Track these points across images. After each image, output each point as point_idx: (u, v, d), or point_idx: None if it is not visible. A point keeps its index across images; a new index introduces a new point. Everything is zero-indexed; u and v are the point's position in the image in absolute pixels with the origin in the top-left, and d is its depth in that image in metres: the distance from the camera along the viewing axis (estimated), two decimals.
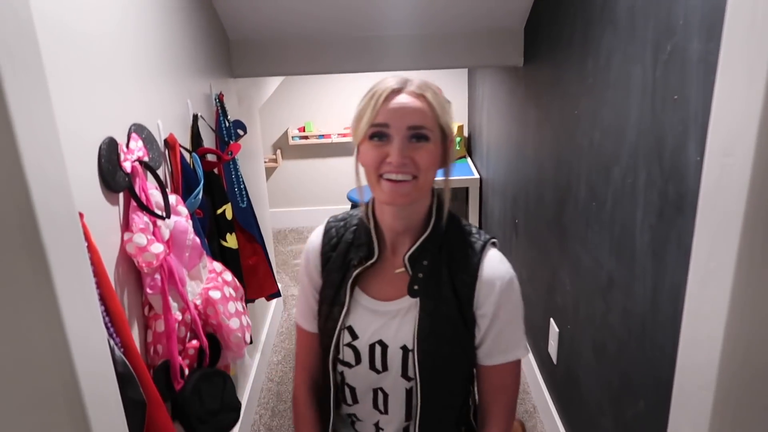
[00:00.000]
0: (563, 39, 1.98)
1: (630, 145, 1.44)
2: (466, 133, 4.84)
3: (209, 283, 1.55)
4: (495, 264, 1.03)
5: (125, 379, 1.10)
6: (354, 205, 4.73)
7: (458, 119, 4.89)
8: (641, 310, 1.41)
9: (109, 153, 1.22)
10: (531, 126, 2.53)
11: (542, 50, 2.28)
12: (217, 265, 1.65)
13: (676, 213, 1.21)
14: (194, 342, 1.48)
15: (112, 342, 1.10)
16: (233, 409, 1.59)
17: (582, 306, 1.90)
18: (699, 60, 1.09)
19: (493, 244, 1.06)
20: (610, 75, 1.55)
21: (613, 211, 1.57)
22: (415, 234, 1.05)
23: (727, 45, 0.81)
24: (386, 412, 1.12)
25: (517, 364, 1.07)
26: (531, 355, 2.70)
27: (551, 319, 2.28)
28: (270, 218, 3.61)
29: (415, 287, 1.02)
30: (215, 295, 1.52)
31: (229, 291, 1.60)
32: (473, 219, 4.08)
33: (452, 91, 4.82)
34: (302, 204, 5.10)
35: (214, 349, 1.55)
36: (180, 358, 1.40)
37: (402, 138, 0.96)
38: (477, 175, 4.14)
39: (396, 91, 0.99)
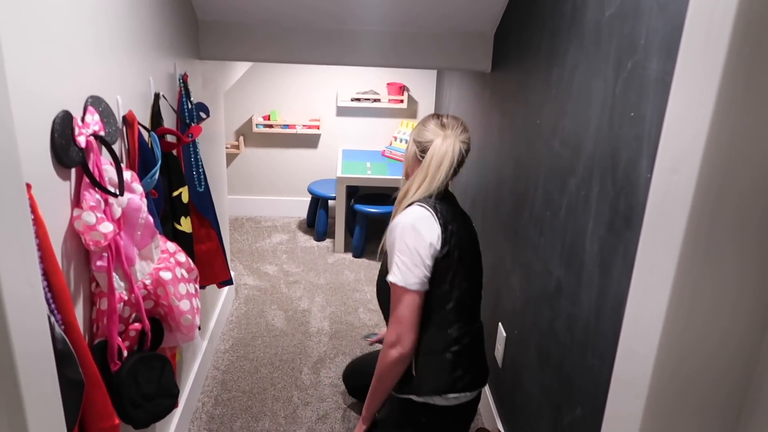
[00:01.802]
0: (531, 47, 2.01)
1: (587, 157, 1.47)
2: None
3: (161, 263, 1.53)
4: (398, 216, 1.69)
5: (64, 357, 1.07)
6: (315, 198, 4.73)
7: None
8: (585, 318, 1.45)
9: (62, 127, 1.18)
10: (494, 131, 2.57)
11: (510, 57, 2.31)
12: (171, 246, 1.62)
13: (624, 226, 1.24)
14: (137, 324, 1.45)
15: (52, 319, 1.07)
16: (170, 395, 1.56)
17: (530, 312, 1.94)
18: (656, 79, 1.13)
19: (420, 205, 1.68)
20: (573, 87, 1.59)
21: (566, 221, 1.61)
22: None
23: (681, 66, 0.84)
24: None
25: (391, 285, 1.65)
26: None
27: (500, 324, 2.32)
28: (228, 205, 3.56)
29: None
30: (166, 275, 1.50)
31: (181, 272, 1.58)
32: None
33: (420, 92, 4.84)
34: (261, 193, 5.05)
35: (157, 333, 1.53)
36: (119, 339, 1.37)
37: None
38: None
39: None
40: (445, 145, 1.71)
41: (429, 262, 1.61)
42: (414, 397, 1.75)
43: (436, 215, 1.66)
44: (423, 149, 1.75)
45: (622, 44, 1.29)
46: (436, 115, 1.79)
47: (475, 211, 2.93)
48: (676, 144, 0.81)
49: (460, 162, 1.77)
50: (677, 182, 0.79)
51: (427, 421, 1.76)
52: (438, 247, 1.63)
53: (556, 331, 1.67)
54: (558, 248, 1.67)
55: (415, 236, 1.61)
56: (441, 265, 1.63)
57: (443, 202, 1.72)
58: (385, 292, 1.76)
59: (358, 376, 2.48)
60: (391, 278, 1.63)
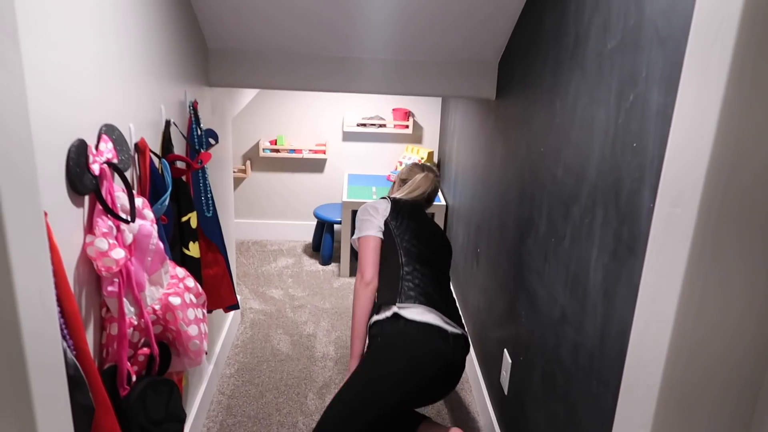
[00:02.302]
0: (534, 77, 2.05)
1: (590, 185, 1.49)
2: (436, 159, 4.92)
3: (170, 288, 1.55)
4: None
5: (75, 383, 1.09)
6: (321, 222, 4.75)
7: (430, 145, 4.96)
8: (590, 346, 1.46)
9: (78, 156, 1.21)
10: (498, 158, 2.59)
11: (514, 85, 2.35)
12: (180, 271, 1.64)
13: (628, 254, 1.26)
14: (145, 349, 1.47)
15: (64, 344, 1.09)
16: (177, 419, 1.57)
17: (536, 338, 1.94)
18: (657, 112, 1.15)
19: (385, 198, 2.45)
20: (575, 116, 1.62)
21: (571, 248, 1.62)
22: None
23: (681, 99, 0.86)
24: None
25: (354, 241, 2.36)
26: (483, 384, 2.73)
27: (505, 350, 2.32)
28: (234, 228, 3.59)
29: None
30: (175, 300, 1.52)
31: (189, 297, 1.59)
32: None
33: (425, 118, 4.89)
34: (268, 217, 5.08)
35: (165, 358, 1.54)
36: (128, 364, 1.39)
37: None
38: (443, 202, 4.19)
39: None
40: (424, 178, 2.52)
41: (380, 219, 2.30)
42: (374, 317, 2.14)
43: (391, 202, 2.38)
44: (406, 179, 2.55)
45: (623, 76, 1.32)
46: (419, 165, 2.61)
47: (480, 235, 2.95)
48: (677, 177, 0.83)
49: (432, 191, 2.53)
50: (678, 214, 0.81)
51: (394, 332, 2.06)
52: (387, 214, 2.31)
53: (561, 357, 1.68)
54: (563, 275, 1.68)
55: (369, 208, 2.35)
56: (390, 226, 2.27)
57: (407, 204, 2.40)
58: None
59: None
60: (354, 236, 2.34)
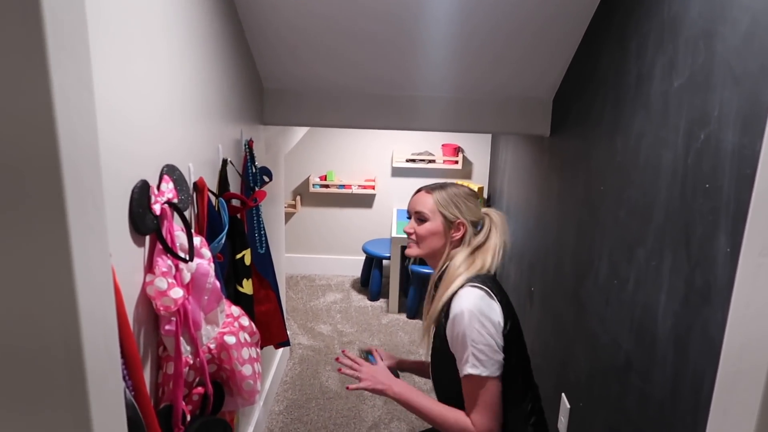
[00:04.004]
0: (592, 115, 2.01)
1: (657, 227, 1.43)
2: (486, 195, 4.87)
3: (225, 327, 1.55)
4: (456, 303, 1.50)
5: (133, 424, 1.08)
6: (370, 257, 4.75)
7: (479, 181, 4.92)
8: (660, 397, 1.38)
9: (140, 196, 1.23)
10: (553, 196, 2.54)
11: (569, 123, 2.30)
12: (235, 310, 1.64)
13: (702, 302, 1.19)
14: (200, 388, 1.46)
15: (123, 384, 1.09)
16: None
17: (596, 385, 1.86)
18: (733, 152, 1.10)
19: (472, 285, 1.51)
20: (639, 156, 1.56)
21: (635, 292, 1.55)
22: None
23: (767, 143, 0.81)
24: None
25: (471, 377, 1.46)
26: None
27: (563, 394, 2.23)
28: (285, 263, 3.61)
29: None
30: (230, 340, 1.51)
31: (244, 336, 1.59)
32: None
33: (475, 153, 4.87)
34: (317, 252, 5.11)
35: (219, 397, 1.53)
36: (183, 404, 1.38)
37: (412, 218, 1.71)
38: None
39: (418, 191, 1.75)
40: (498, 216, 1.66)
41: (502, 343, 1.49)
42: None
43: (490, 291, 1.51)
44: (476, 220, 1.65)
45: (692, 115, 1.27)
46: (466, 191, 1.70)
47: (534, 275, 2.87)
48: (765, 224, 0.78)
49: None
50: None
51: None
52: (502, 324, 1.50)
53: (626, 407, 1.59)
54: (627, 320, 1.61)
55: (485, 321, 1.46)
56: (507, 340, 1.50)
57: (481, 274, 1.58)
58: (443, 371, 1.58)
59: None
60: (471, 371, 1.45)
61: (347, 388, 1.62)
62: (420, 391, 1.60)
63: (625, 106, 1.68)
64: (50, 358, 0.71)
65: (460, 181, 4.79)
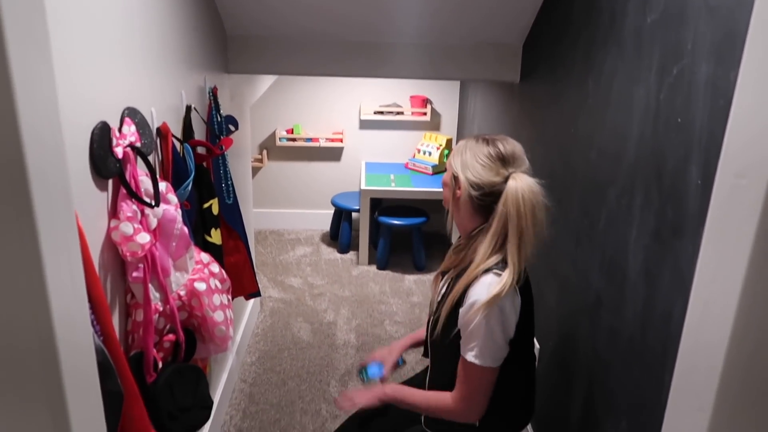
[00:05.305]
0: (563, 58, 1.99)
1: (628, 166, 1.44)
2: (454, 146, 4.85)
3: (195, 274, 1.52)
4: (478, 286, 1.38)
5: (103, 369, 1.05)
6: (339, 211, 4.72)
7: (448, 132, 4.90)
8: (630, 331, 1.41)
9: (101, 138, 1.18)
10: (524, 142, 2.52)
11: (540, 68, 2.28)
12: (205, 256, 1.61)
13: (672, 235, 1.21)
14: (171, 335, 1.44)
15: (92, 330, 1.06)
16: (205, 406, 1.55)
17: (566, 324, 1.90)
18: (706, 84, 1.09)
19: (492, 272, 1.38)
20: (611, 95, 1.56)
21: (606, 231, 1.57)
22: None
23: (746, 67, 0.81)
24: None
25: (464, 360, 1.42)
26: None
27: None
28: (253, 218, 3.56)
29: None
30: (200, 286, 1.49)
31: (215, 283, 1.57)
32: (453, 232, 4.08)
33: (443, 104, 4.83)
34: (285, 206, 5.05)
35: (190, 344, 1.51)
36: (155, 351, 1.36)
37: None
38: None
39: None
40: (520, 198, 1.44)
41: (512, 336, 1.41)
42: None
43: (515, 284, 1.37)
44: (491, 190, 1.43)
45: (666, 50, 1.26)
46: (487, 140, 1.50)
47: None
48: (743, 147, 0.78)
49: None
50: (744, 186, 0.76)
51: None
52: (517, 317, 1.40)
53: (596, 344, 1.63)
54: (597, 259, 1.63)
55: (503, 319, 1.37)
56: (518, 330, 1.42)
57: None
58: (445, 348, 1.49)
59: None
60: (473, 359, 1.38)
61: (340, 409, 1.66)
62: (407, 387, 1.61)
63: (598, 47, 1.67)
64: (22, 341, 0.68)
65: (428, 134, 4.77)
